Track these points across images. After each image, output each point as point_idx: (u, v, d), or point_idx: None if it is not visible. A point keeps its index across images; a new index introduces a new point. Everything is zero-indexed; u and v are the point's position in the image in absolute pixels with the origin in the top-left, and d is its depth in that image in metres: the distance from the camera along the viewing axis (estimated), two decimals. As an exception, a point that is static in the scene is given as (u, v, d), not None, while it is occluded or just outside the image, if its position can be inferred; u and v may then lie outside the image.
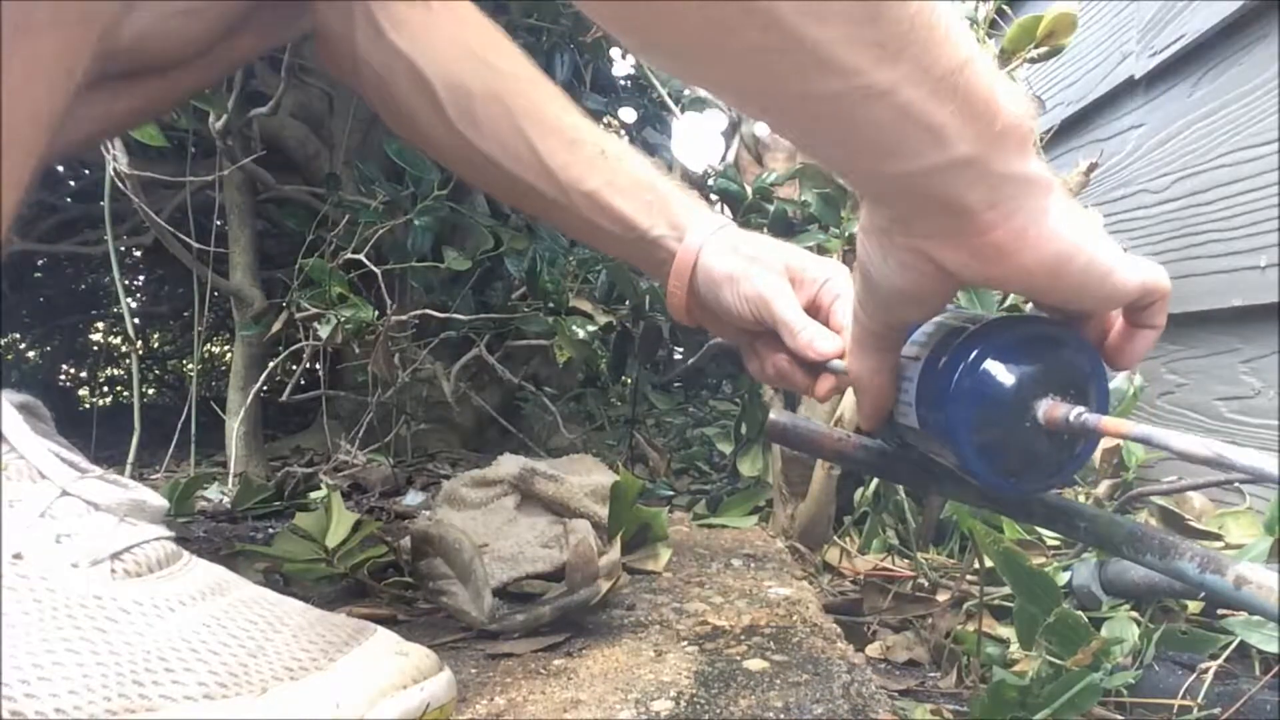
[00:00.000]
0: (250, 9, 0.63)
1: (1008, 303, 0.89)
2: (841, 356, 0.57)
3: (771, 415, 0.63)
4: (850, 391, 0.74)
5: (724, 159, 1.30)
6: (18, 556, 0.43)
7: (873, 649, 0.81)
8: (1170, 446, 0.39)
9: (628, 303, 1.37)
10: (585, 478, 0.90)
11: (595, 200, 0.67)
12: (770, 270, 0.61)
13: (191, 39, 0.61)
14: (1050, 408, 0.42)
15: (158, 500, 0.49)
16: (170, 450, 1.61)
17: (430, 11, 0.68)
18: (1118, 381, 0.99)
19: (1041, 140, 1.08)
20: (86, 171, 2.32)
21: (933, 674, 0.78)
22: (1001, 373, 0.43)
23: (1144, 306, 0.43)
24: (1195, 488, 0.87)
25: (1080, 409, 0.42)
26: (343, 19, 0.68)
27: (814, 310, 0.61)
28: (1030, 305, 0.48)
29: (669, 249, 0.66)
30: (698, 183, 1.22)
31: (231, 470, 1.49)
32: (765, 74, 0.34)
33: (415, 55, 0.67)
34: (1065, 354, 0.44)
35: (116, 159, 1.32)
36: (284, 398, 1.60)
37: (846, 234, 1.04)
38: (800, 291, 0.61)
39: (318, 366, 1.61)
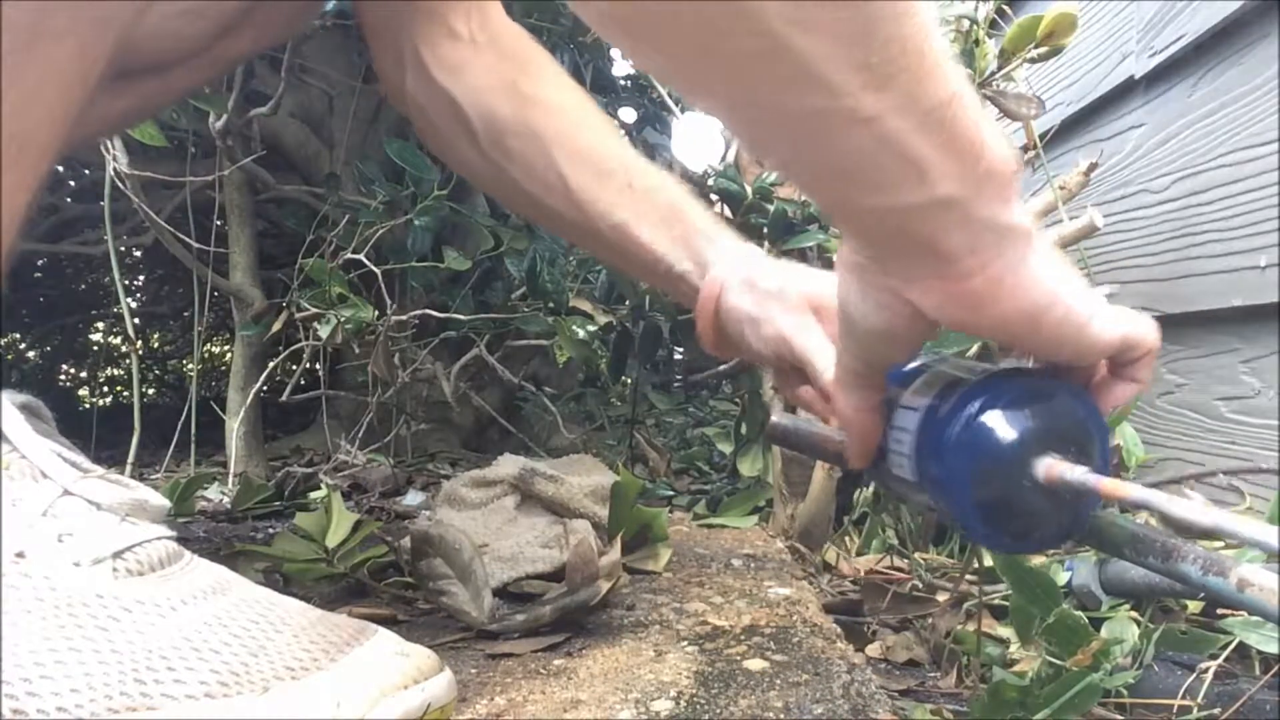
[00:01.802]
0: (248, 8, 0.64)
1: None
2: None
3: (773, 418, 0.63)
4: None
5: (724, 159, 1.29)
6: (20, 555, 0.43)
7: (873, 649, 0.81)
8: (1170, 513, 0.37)
9: (628, 303, 1.37)
10: (585, 478, 0.90)
11: (622, 233, 0.67)
12: (791, 308, 0.60)
13: (191, 38, 0.61)
14: (1050, 466, 0.41)
15: (159, 500, 0.49)
16: (170, 450, 1.61)
17: (475, 48, 0.71)
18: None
19: (1041, 140, 1.07)
20: (86, 171, 2.32)
21: (933, 674, 0.78)
22: (1003, 426, 0.42)
23: (1127, 360, 0.42)
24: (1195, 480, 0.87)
25: (1081, 468, 0.41)
26: (394, 64, 0.73)
27: None
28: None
29: (693, 285, 0.65)
30: (697, 183, 1.22)
31: (231, 470, 1.49)
32: (752, 83, 0.33)
33: (455, 91, 0.70)
34: (1068, 410, 0.43)
35: (116, 159, 1.32)
36: (284, 398, 1.60)
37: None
38: (825, 323, 0.59)
39: (318, 366, 1.61)
